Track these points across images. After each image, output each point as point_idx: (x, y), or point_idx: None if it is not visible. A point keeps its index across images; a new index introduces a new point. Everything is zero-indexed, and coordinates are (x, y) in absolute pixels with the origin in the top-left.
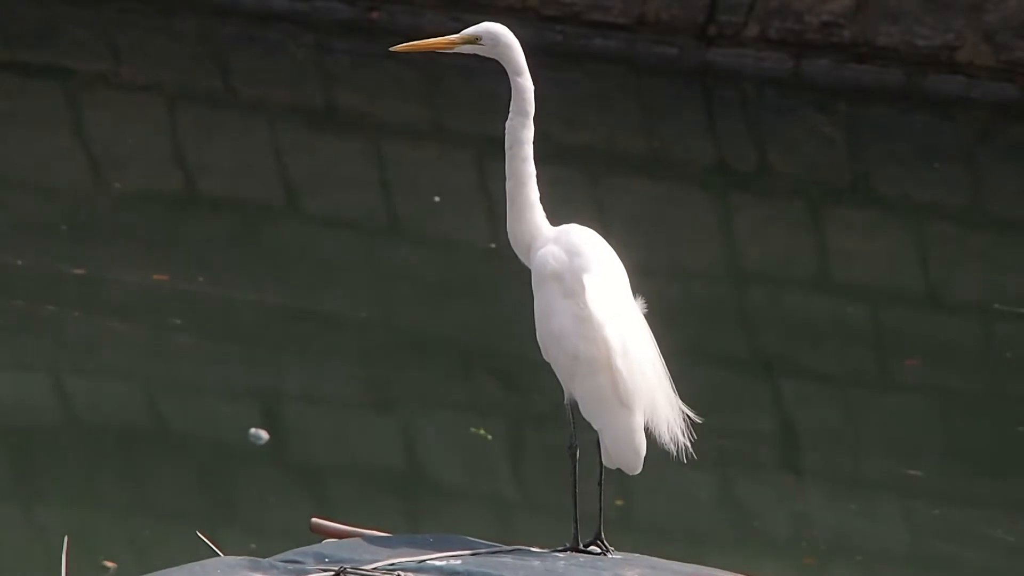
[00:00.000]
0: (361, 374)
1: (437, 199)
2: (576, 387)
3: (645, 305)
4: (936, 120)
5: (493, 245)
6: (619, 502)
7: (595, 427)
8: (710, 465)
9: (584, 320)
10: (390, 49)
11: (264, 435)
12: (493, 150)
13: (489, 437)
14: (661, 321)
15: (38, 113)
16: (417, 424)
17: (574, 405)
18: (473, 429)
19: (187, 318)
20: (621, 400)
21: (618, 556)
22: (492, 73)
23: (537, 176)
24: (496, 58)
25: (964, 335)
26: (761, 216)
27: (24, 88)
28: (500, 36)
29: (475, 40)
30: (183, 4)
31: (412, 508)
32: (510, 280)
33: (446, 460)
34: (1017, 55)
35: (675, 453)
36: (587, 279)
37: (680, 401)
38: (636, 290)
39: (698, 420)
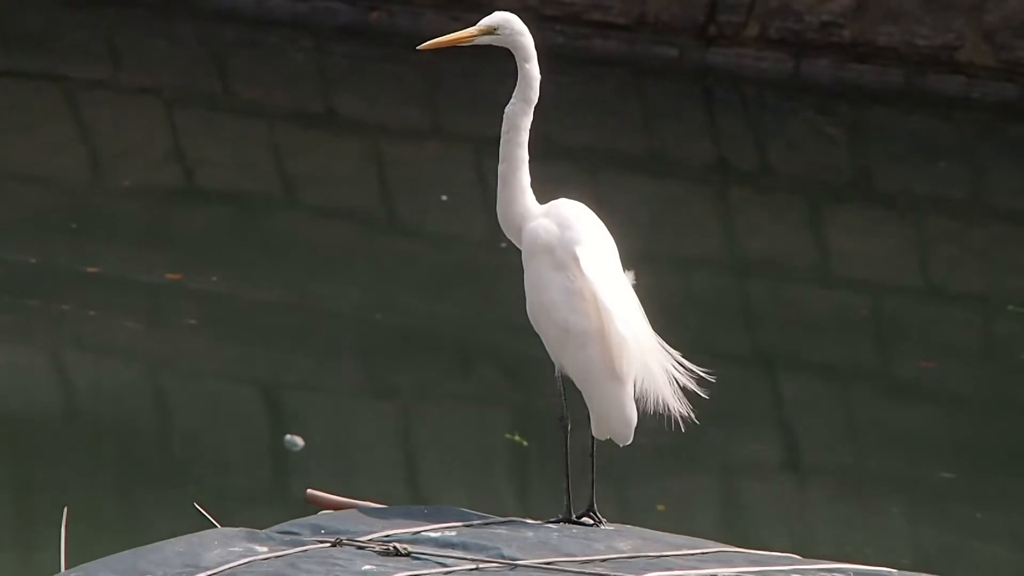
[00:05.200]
0: (371, 370)
1: (444, 198)
2: (566, 359)
3: (634, 278)
4: (936, 120)
5: (503, 244)
6: (661, 507)
7: (585, 399)
8: (728, 465)
9: (575, 293)
10: (417, 48)
11: (300, 441)
12: (495, 152)
13: (525, 443)
14: (662, 323)
15: (40, 116)
16: (420, 417)
17: (565, 378)
18: (508, 435)
19: (201, 316)
20: (614, 370)
21: (610, 527)
22: (491, 76)
23: (537, 177)
24: (510, 47)
25: (973, 336)
26: (762, 216)
27: (25, 91)
28: (516, 25)
29: (493, 31)
30: (182, 8)
31: (409, 485)
32: (519, 276)
33: (447, 449)
34: (1017, 55)
35: (669, 420)
36: (579, 251)
37: (684, 360)
38: (637, 289)
39: (710, 378)
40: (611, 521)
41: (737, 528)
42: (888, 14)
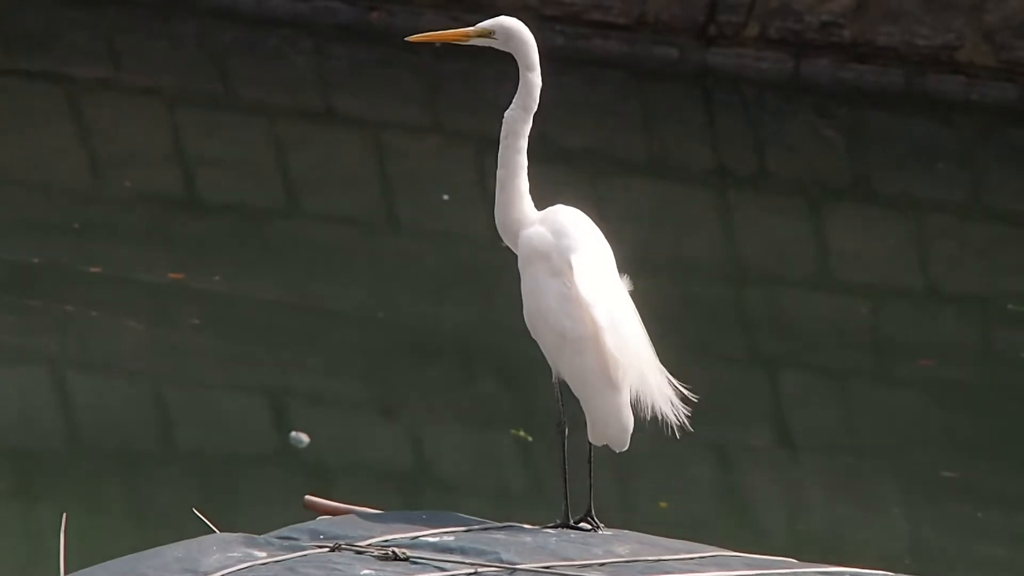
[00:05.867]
0: (374, 370)
1: (446, 197)
2: (563, 365)
3: (631, 284)
4: (936, 122)
5: (505, 244)
6: (663, 504)
7: (582, 405)
8: (730, 465)
9: (571, 299)
10: (406, 39)
11: (305, 438)
12: (496, 152)
13: (530, 439)
14: (662, 325)
15: (40, 116)
16: (423, 415)
17: (562, 383)
18: (513, 431)
19: (205, 316)
20: (609, 378)
21: (608, 532)
22: (492, 77)
23: (535, 179)
24: (510, 52)
25: (973, 335)
26: (761, 218)
27: (25, 91)
28: (513, 31)
29: (488, 34)
30: (182, 8)
31: (412, 485)
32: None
33: (452, 447)
34: (1017, 55)
35: (665, 428)
36: (574, 259)
37: (671, 377)
38: (636, 291)
39: (693, 398)
40: (611, 523)
41: (739, 528)
42: (888, 14)
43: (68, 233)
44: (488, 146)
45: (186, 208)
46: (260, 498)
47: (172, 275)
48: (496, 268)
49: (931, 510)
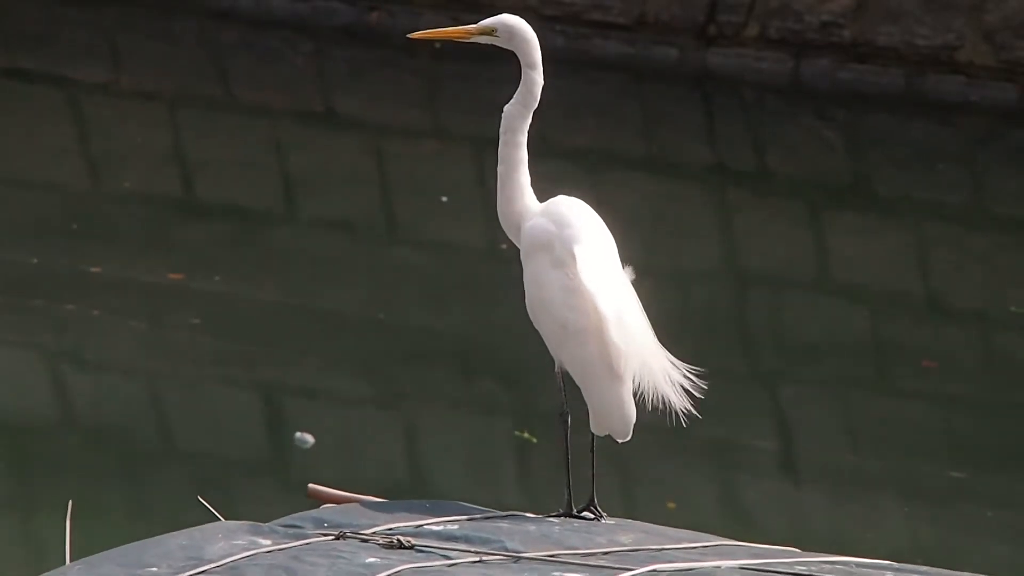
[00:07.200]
0: (375, 369)
1: (444, 199)
2: (565, 356)
3: (633, 274)
4: (936, 123)
5: (504, 246)
6: (671, 505)
7: (584, 395)
8: (737, 466)
9: (573, 291)
10: (408, 36)
11: (310, 438)
12: (495, 152)
13: (534, 440)
14: (662, 325)
15: (40, 116)
16: (427, 415)
17: (565, 373)
18: (517, 432)
19: (205, 317)
20: (611, 369)
21: (611, 521)
22: (492, 77)
23: (534, 181)
24: (512, 49)
25: (975, 336)
26: (762, 221)
27: (25, 91)
28: (515, 29)
29: (491, 31)
30: (182, 8)
31: (416, 484)
32: (521, 278)
33: (456, 447)
34: (1017, 55)
35: (668, 417)
36: (577, 250)
37: (680, 363)
38: (636, 291)
39: (702, 384)
40: (615, 517)
41: (747, 529)
42: (888, 14)
43: (68, 233)
44: (487, 147)
45: (186, 209)
46: (263, 490)
47: (172, 275)
48: (497, 269)
49: (940, 510)
